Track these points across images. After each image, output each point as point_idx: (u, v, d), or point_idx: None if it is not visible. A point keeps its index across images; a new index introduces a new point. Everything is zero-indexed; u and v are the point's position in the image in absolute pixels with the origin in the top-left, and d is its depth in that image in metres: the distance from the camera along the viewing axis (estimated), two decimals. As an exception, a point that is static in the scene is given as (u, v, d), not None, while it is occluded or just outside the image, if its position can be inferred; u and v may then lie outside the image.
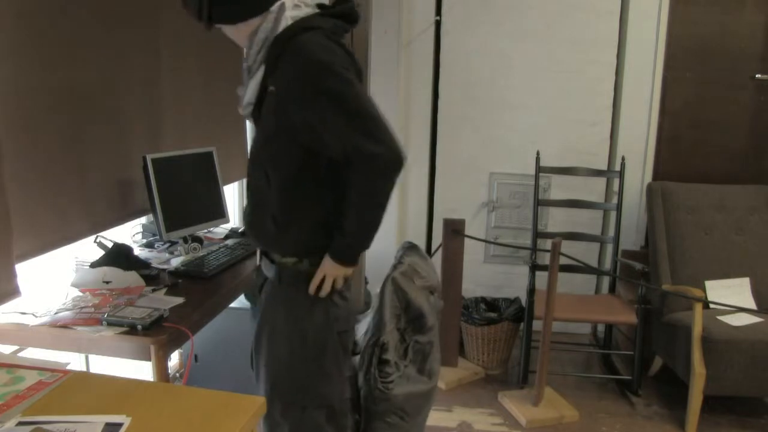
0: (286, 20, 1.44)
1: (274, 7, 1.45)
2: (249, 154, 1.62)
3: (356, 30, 2.66)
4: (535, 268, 3.00)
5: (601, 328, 3.52)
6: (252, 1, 1.45)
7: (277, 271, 1.59)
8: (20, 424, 1.10)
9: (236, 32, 1.51)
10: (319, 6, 1.52)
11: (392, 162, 1.40)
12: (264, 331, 1.63)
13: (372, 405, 1.83)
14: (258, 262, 1.73)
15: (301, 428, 1.63)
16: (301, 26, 1.43)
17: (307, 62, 1.40)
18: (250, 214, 1.61)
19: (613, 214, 3.24)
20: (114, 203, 2.27)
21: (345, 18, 1.52)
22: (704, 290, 2.83)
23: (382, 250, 3.40)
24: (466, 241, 3.04)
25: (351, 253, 1.53)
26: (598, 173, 3.29)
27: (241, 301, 2.35)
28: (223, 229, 2.73)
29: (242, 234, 2.64)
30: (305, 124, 1.43)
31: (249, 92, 1.51)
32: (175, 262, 2.21)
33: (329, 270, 1.53)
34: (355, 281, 1.75)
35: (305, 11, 1.48)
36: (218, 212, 2.63)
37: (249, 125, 3.51)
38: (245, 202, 1.64)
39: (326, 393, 1.63)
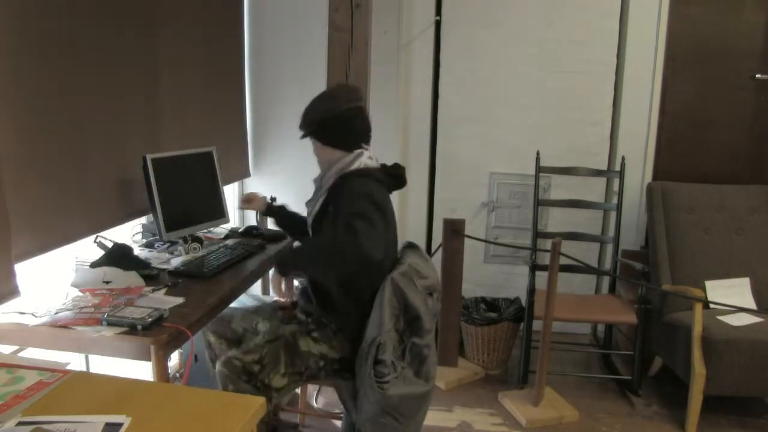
0: (360, 164, 1.94)
1: (357, 151, 1.96)
2: None
3: (356, 29, 2.66)
4: (535, 268, 3.00)
5: (601, 328, 3.52)
6: (349, 140, 1.97)
7: None
8: (20, 424, 1.10)
9: (322, 151, 2.00)
10: (382, 166, 2.05)
11: (361, 255, 1.71)
12: None
13: (367, 404, 1.83)
14: None
15: None
16: (363, 172, 1.94)
17: (353, 192, 1.88)
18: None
19: (613, 214, 3.24)
20: (114, 203, 2.27)
21: (395, 178, 2.04)
22: (704, 290, 2.83)
23: (382, 250, 3.42)
24: (466, 241, 3.04)
25: (282, 260, 1.91)
26: (598, 173, 3.29)
27: (240, 302, 2.35)
28: (223, 229, 2.73)
29: (242, 234, 2.64)
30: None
31: (316, 206, 2.00)
32: (175, 262, 2.21)
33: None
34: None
35: (373, 164, 1.99)
36: (218, 212, 2.63)
37: (250, 127, 3.51)
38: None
39: None
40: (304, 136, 2.03)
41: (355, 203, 1.84)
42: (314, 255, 1.86)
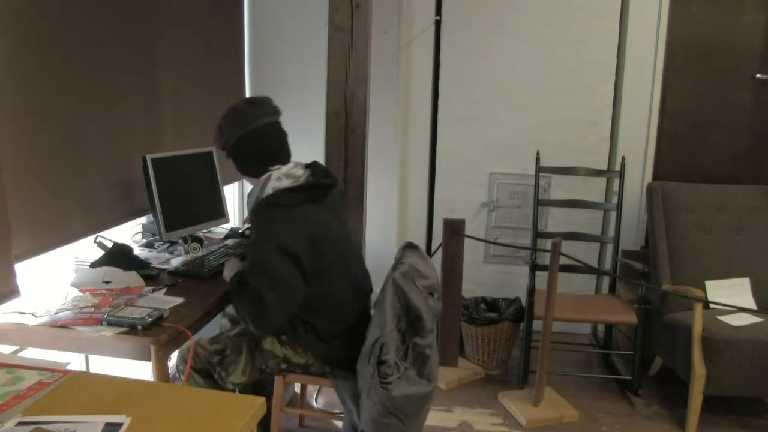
0: (268, 189, 1.87)
1: (265, 176, 1.90)
2: None
3: (356, 29, 2.66)
4: (535, 268, 2.99)
5: (601, 328, 3.52)
6: (253, 167, 1.94)
7: None
8: (20, 424, 1.10)
9: (248, 180, 2.01)
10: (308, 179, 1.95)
11: (257, 327, 1.84)
12: None
13: (370, 405, 1.83)
14: None
15: None
16: (270, 200, 1.86)
17: (257, 232, 1.87)
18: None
19: (613, 214, 3.24)
20: (114, 203, 2.27)
21: (319, 188, 1.93)
22: (704, 290, 2.83)
23: (382, 250, 3.43)
24: (466, 241, 3.04)
25: (232, 285, 1.92)
26: (598, 173, 3.29)
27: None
28: (223, 229, 2.73)
29: (242, 234, 2.64)
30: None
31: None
32: (175, 262, 2.21)
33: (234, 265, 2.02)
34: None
35: (284, 184, 1.88)
36: (218, 212, 2.63)
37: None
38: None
39: None
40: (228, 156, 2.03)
41: (256, 250, 1.83)
42: (237, 301, 1.88)
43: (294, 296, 1.84)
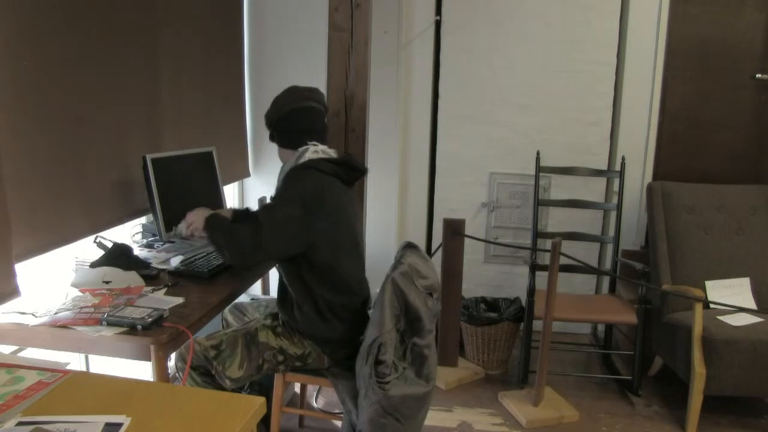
0: (304, 159, 2.01)
1: (303, 148, 2.04)
2: None
3: (356, 29, 2.66)
4: (535, 268, 2.99)
5: (601, 328, 3.52)
6: (293, 138, 2.07)
7: None
8: (20, 424, 1.10)
9: (279, 152, 2.13)
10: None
11: (239, 256, 1.89)
12: None
13: (368, 405, 1.83)
14: None
15: None
16: (306, 164, 1.99)
17: (286, 178, 2.02)
18: None
19: (613, 214, 3.24)
20: (114, 203, 2.27)
21: (345, 166, 2.06)
22: (704, 290, 2.83)
23: (382, 250, 3.43)
24: (466, 241, 3.04)
25: (212, 221, 1.98)
26: (598, 173, 3.29)
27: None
28: (223, 229, 2.72)
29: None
30: None
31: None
32: (175, 262, 2.20)
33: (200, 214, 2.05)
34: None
35: (319, 156, 2.02)
36: (218, 212, 2.63)
37: (250, 127, 3.51)
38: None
39: None
40: (271, 137, 2.16)
41: (277, 196, 1.99)
42: (221, 235, 1.93)
43: (288, 243, 1.90)
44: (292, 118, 2.06)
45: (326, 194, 1.95)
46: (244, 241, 1.86)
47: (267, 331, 2.03)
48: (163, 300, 1.84)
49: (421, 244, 3.57)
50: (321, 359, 2.05)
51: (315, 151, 2.03)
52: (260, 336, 2.02)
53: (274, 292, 2.33)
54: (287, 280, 2.02)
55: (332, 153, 2.07)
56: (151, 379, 1.67)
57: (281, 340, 2.02)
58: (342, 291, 2.00)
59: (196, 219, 2.03)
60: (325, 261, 1.95)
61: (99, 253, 2.11)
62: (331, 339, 2.02)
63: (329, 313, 1.99)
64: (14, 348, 1.78)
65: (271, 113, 2.10)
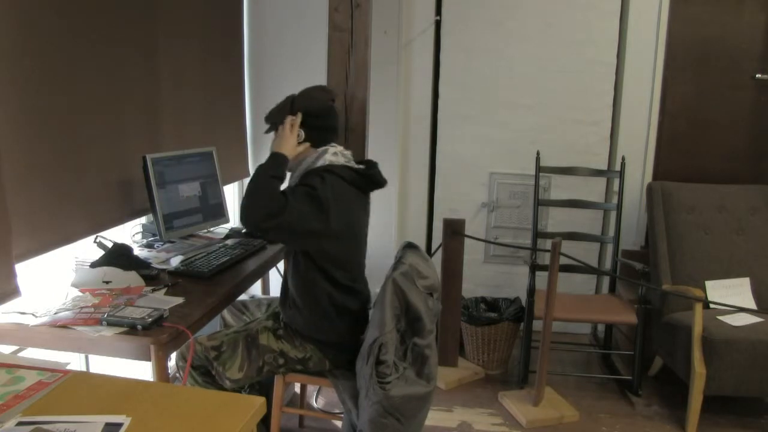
0: (324, 161, 1.97)
1: (323, 148, 2.00)
2: None
3: (356, 29, 2.66)
4: (535, 268, 2.99)
5: (601, 328, 3.52)
6: (317, 138, 2.01)
7: None
8: (20, 424, 1.10)
9: (298, 149, 2.00)
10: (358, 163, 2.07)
11: (253, 216, 1.80)
12: None
13: (368, 405, 1.83)
14: None
15: None
16: (326, 168, 1.95)
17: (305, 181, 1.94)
18: None
19: (613, 214, 3.24)
20: (114, 203, 2.27)
21: (365, 177, 2.03)
22: (704, 290, 2.83)
23: (382, 249, 3.43)
24: (466, 241, 3.04)
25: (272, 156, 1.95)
26: (598, 173, 3.29)
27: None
28: (223, 229, 2.73)
29: (242, 234, 2.64)
30: None
31: None
32: (175, 262, 2.20)
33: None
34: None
35: (339, 160, 1.99)
36: (218, 212, 2.63)
37: (250, 127, 3.51)
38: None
39: None
40: (269, 131, 2.08)
41: (298, 186, 1.92)
42: (265, 178, 1.89)
43: (297, 233, 1.85)
44: (324, 116, 2.03)
45: (342, 198, 1.93)
46: (271, 202, 1.80)
47: (268, 334, 2.03)
48: (163, 300, 1.84)
49: (421, 244, 3.57)
50: (322, 363, 2.05)
51: (335, 153, 2.01)
52: (261, 338, 2.02)
53: (273, 292, 2.33)
54: (291, 279, 2.01)
55: (349, 155, 2.06)
56: (151, 379, 1.67)
57: (282, 343, 2.02)
58: (345, 292, 2.00)
59: (279, 139, 1.99)
60: (331, 263, 1.94)
61: (99, 253, 2.11)
62: (333, 342, 2.02)
63: (332, 314, 1.98)
64: (14, 348, 1.78)
65: (304, 105, 2.02)
